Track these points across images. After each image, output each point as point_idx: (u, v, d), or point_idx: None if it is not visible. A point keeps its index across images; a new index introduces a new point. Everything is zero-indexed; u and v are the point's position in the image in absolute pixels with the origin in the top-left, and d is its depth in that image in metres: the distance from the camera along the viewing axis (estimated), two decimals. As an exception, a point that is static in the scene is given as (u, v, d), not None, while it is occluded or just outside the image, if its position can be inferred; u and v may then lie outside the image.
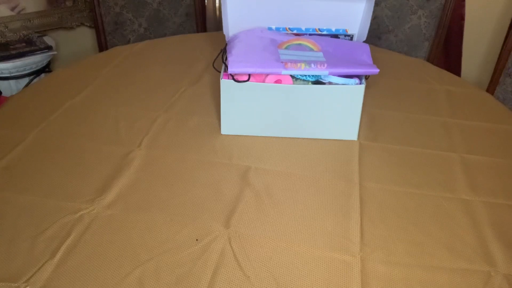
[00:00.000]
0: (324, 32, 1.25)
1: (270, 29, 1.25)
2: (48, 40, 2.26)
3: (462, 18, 2.13)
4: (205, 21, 2.39)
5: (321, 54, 1.14)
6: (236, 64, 1.07)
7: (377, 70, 1.08)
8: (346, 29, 1.24)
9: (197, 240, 0.84)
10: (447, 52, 2.18)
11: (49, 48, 2.18)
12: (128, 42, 2.22)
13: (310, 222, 0.90)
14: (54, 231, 0.85)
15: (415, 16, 1.97)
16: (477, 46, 2.28)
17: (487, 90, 1.88)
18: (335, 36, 1.25)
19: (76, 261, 0.79)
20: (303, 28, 1.24)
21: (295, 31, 1.25)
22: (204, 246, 0.83)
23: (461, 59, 2.22)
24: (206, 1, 2.38)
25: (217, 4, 2.45)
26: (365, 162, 1.07)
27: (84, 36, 2.45)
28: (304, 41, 1.18)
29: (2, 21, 2.17)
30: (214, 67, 1.22)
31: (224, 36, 1.23)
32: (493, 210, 0.94)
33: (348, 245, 0.85)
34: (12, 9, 2.19)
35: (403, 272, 0.80)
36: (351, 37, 1.25)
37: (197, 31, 2.36)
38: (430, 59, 2.02)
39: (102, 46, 2.18)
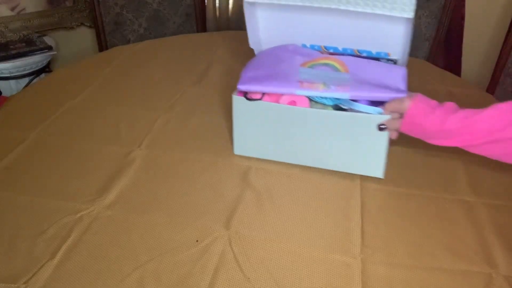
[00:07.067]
0: (364, 55, 1.09)
1: (304, 46, 1.12)
2: (48, 40, 2.26)
3: (462, 18, 2.12)
4: (205, 21, 2.39)
5: (347, 76, 1.00)
6: (247, 81, 0.99)
7: (404, 95, 0.91)
8: (388, 53, 1.07)
9: (197, 241, 0.84)
10: (447, 52, 2.18)
11: (49, 48, 2.18)
12: (128, 42, 2.22)
13: (311, 223, 0.90)
14: (54, 231, 0.85)
15: (415, 16, 1.97)
16: (477, 46, 2.28)
17: (487, 90, 1.88)
18: (375, 59, 1.08)
19: (76, 262, 0.79)
20: (340, 48, 1.10)
21: (331, 50, 1.11)
22: (204, 247, 0.83)
23: (461, 59, 2.22)
24: (206, 1, 2.38)
25: (217, 4, 2.45)
26: (365, 163, 1.07)
27: (84, 36, 2.45)
28: (331, 61, 1.04)
29: (2, 21, 2.16)
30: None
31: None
32: (494, 211, 0.94)
33: (349, 246, 0.84)
34: (12, 9, 2.18)
35: (404, 274, 0.79)
36: (394, 62, 1.09)
37: (197, 31, 2.36)
38: (430, 59, 2.02)
39: (102, 46, 2.18)
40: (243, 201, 0.94)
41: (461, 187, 1.00)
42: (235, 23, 2.47)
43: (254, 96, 0.99)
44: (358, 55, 1.09)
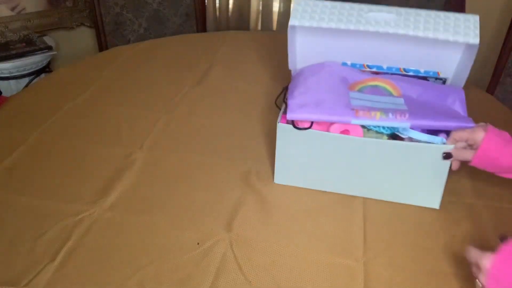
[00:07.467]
0: (410, 74, 1.03)
1: (344, 64, 1.05)
2: (48, 40, 2.25)
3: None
4: (205, 21, 2.39)
5: (401, 100, 0.93)
6: (297, 109, 0.90)
7: (472, 124, 0.86)
8: (438, 72, 1.01)
9: (198, 243, 0.83)
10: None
11: (49, 48, 2.17)
12: (128, 42, 2.22)
13: (313, 226, 0.89)
14: (55, 233, 0.84)
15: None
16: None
17: (487, 90, 1.88)
18: (424, 78, 1.03)
19: (76, 264, 0.79)
20: (384, 67, 1.03)
21: (374, 69, 1.04)
22: (206, 250, 0.82)
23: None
24: (206, 1, 2.38)
25: (217, 4, 2.44)
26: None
27: (84, 36, 2.45)
28: (381, 83, 0.98)
29: (2, 21, 2.16)
30: (276, 105, 1.02)
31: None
32: (497, 214, 0.93)
33: (351, 249, 0.84)
34: (12, 9, 2.18)
35: (406, 277, 0.79)
36: (443, 81, 1.03)
37: (197, 31, 2.35)
38: (430, 59, 2.01)
39: (102, 46, 2.17)
40: (244, 204, 0.93)
41: (464, 190, 1.00)
42: (235, 23, 2.47)
43: (302, 125, 0.91)
44: (404, 74, 1.03)
